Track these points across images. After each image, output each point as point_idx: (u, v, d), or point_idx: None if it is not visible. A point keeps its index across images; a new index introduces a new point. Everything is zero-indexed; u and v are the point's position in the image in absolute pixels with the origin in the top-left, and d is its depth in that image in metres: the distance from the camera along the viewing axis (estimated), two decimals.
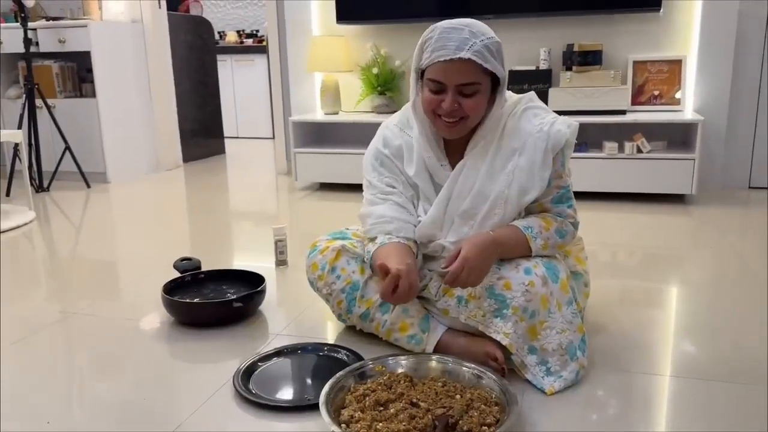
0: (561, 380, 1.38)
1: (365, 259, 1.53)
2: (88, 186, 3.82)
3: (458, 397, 1.27)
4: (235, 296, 1.78)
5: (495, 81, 1.39)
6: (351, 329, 1.67)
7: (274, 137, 4.14)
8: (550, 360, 1.39)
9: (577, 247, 1.72)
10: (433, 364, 1.41)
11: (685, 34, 3.20)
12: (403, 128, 1.55)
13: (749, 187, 3.33)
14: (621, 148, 3.05)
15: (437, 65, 1.34)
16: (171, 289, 1.86)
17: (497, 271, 1.41)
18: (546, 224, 1.45)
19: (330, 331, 1.71)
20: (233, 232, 2.89)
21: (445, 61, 1.32)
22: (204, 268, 2.01)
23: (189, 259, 1.99)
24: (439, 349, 1.48)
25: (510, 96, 1.50)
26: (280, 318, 1.82)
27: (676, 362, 1.51)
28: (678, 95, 3.23)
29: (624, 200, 3.10)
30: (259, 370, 1.45)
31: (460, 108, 1.36)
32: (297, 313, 1.84)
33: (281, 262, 2.24)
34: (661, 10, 3.11)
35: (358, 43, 3.65)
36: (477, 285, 1.38)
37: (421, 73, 1.41)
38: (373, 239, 1.50)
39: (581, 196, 3.08)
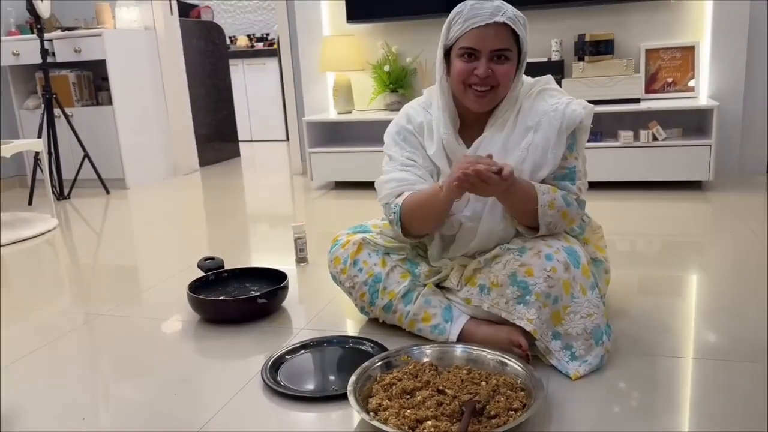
0: (586, 365, 1.39)
1: (392, 215, 1.52)
2: (108, 192, 3.88)
3: (484, 383, 1.28)
4: (259, 293, 1.80)
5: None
6: (374, 322, 1.69)
7: (288, 138, 4.17)
8: (574, 345, 1.40)
9: (597, 236, 1.73)
10: (458, 352, 1.42)
11: (697, 20, 3.18)
12: (426, 108, 1.59)
13: (767, 172, 3.30)
14: (636, 137, 3.05)
15: (472, 32, 1.39)
16: (195, 287, 1.89)
17: (518, 258, 1.43)
18: (552, 191, 1.46)
19: (352, 325, 1.73)
20: (252, 232, 2.92)
21: (480, 27, 1.38)
22: (230, 266, 2.04)
23: (212, 258, 2.02)
24: (462, 338, 1.50)
25: (527, 79, 1.55)
26: (303, 313, 1.85)
27: (699, 345, 1.51)
28: (692, 83, 3.21)
29: (641, 189, 3.09)
30: (286, 362, 1.47)
31: (492, 75, 1.41)
32: (319, 309, 1.87)
33: (301, 260, 2.27)
34: None
35: (369, 41, 3.67)
36: (475, 191, 1.36)
37: (447, 53, 1.47)
38: (398, 195, 1.51)
39: (598, 186, 3.08)
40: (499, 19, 1.37)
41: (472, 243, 1.51)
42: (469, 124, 1.53)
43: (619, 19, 3.26)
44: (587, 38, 3.18)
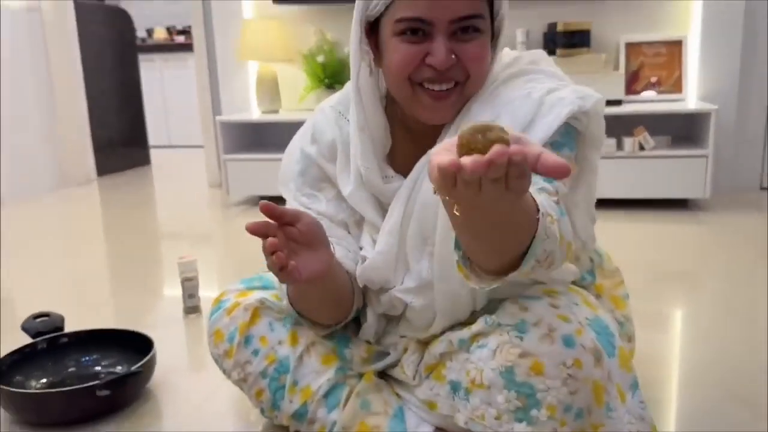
0: None
1: (285, 297, 0.96)
2: None
3: None
4: (103, 376, 1.16)
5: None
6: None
7: (204, 143, 3.51)
8: None
9: (613, 282, 1.17)
10: None
11: (685, 10, 2.73)
12: (344, 113, 0.98)
13: (761, 188, 2.87)
14: (619, 145, 2.55)
15: None
16: (13, 364, 1.23)
17: (518, 340, 0.83)
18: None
19: (259, 424, 1.11)
20: (143, 264, 2.25)
21: None
22: (85, 322, 1.40)
23: (47, 315, 1.36)
24: None
25: (506, 53, 0.96)
26: (181, 402, 1.22)
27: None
28: (678, 82, 2.74)
29: (623, 207, 2.58)
30: None
31: (458, 63, 0.83)
32: (209, 392, 1.24)
33: (191, 309, 1.62)
34: None
35: (299, 27, 3.06)
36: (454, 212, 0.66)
37: (372, 30, 0.88)
38: None
39: None
40: None
41: (433, 324, 0.92)
42: (410, 139, 0.95)
43: (596, 7, 2.77)
44: (559, 28, 2.67)
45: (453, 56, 0.83)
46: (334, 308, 0.95)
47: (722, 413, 1.13)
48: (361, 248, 0.94)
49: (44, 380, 1.25)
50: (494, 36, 0.89)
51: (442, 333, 0.93)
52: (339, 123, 0.98)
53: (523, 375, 0.81)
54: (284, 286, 0.94)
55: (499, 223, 0.65)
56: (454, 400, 0.88)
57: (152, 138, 4.59)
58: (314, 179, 0.98)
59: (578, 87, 0.91)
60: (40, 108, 3.50)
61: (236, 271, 1.77)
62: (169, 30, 5.56)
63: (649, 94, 2.73)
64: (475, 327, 0.87)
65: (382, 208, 0.94)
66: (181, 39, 5.46)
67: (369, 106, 0.92)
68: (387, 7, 0.84)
